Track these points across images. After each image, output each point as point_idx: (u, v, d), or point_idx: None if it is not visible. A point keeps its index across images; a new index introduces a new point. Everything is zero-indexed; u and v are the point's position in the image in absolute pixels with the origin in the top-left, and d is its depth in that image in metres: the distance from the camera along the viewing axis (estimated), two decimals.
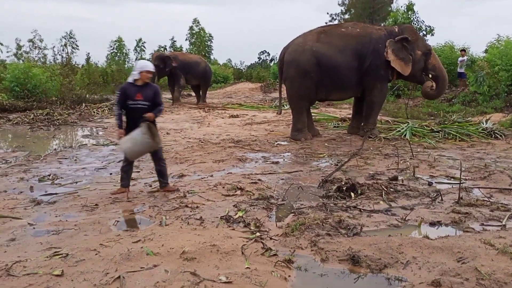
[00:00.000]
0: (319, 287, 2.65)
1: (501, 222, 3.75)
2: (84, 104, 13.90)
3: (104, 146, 7.81)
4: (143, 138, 4.33)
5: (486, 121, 9.52)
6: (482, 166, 5.90)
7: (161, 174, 4.79)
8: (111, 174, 5.75)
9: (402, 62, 7.97)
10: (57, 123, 10.72)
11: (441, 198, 4.42)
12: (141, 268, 2.74)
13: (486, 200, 4.36)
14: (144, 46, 45.02)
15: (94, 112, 12.98)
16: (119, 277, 2.60)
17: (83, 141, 8.46)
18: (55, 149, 7.48)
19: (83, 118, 11.91)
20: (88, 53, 46.59)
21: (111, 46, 43.07)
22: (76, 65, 23.57)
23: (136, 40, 45.75)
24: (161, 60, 15.29)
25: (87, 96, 15.36)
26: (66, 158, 6.70)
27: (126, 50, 43.29)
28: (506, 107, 11.87)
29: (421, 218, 3.81)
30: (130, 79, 4.59)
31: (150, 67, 4.60)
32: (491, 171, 5.57)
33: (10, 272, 2.66)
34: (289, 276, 2.76)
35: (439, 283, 2.59)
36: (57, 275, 2.63)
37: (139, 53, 44.69)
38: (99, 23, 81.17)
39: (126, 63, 37.97)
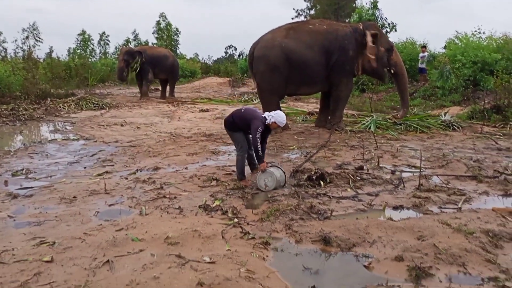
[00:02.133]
0: (294, 265, 2.89)
1: (457, 205, 4.12)
2: (49, 99, 13.62)
3: (74, 141, 7.78)
4: (282, 177, 4.73)
5: (445, 114, 10.07)
6: (441, 155, 6.32)
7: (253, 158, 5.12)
8: (85, 168, 5.80)
9: (374, 49, 8.33)
10: (23, 118, 10.51)
11: (403, 185, 4.77)
12: (128, 252, 2.89)
13: (444, 186, 4.74)
14: (108, 40, 44.13)
15: (60, 107, 12.75)
16: (108, 261, 2.75)
17: (52, 136, 8.38)
18: (24, 144, 7.41)
19: (49, 113, 11.70)
20: (51, 46, 45.15)
21: (77, 39, 41.98)
22: (38, 59, 22.90)
23: (99, 34, 44.85)
24: (131, 55, 15.21)
25: (52, 91, 15.05)
26: (36, 153, 6.66)
27: (91, 45, 42.31)
28: (464, 101, 12.56)
29: (385, 202, 4.13)
30: (267, 121, 4.77)
31: (284, 123, 4.90)
32: (448, 160, 5.99)
33: (0, 260, 2.76)
34: (267, 256, 2.98)
35: (401, 258, 2.89)
36: (47, 261, 2.75)
37: (103, 46, 43.78)
38: (61, 15, 78.81)
39: (92, 57, 37.12)
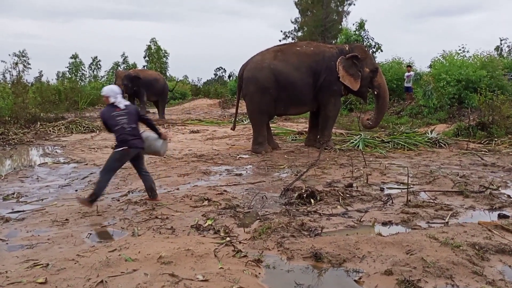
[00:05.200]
0: (287, 281, 2.93)
1: (444, 220, 4.21)
2: (39, 123, 13.61)
3: (65, 164, 7.78)
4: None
5: (431, 131, 10.28)
6: (428, 172, 6.45)
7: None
8: (76, 190, 5.80)
9: (351, 78, 8.52)
10: (13, 143, 10.48)
11: (392, 201, 4.86)
12: (122, 272, 2.92)
13: (431, 202, 4.84)
14: (99, 64, 44.45)
15: (50, 131, 12.74)
16: (101, 281, 2.77)
17: (43, 160, 8.37)
18: (14, 168, 7.39)
19: (39, 137, 11.67)
20: (41, 71, 45.28)
21: (69, 63, 42.33)
22: (26, 83, 22.94)
23: (91, 58, 45.30)
24: (130, 80, 15.62)
25: (42, 114, 15.06)
26: (27, 177, 6.65)
27: (82, 69, 42.59)
28: (449, 118, 12.82)
29: (375, 219, 4.21)
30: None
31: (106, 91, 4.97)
32: (435, 176, 6.11)
33: None
34: (259, 273, 3.03)
35: (391, 272, 2.95)
36: (41, 283, 2.76)
37: (94, 70, 44.02)
38: (50, 40, 79.27)
39: (82, 81, 37.33)
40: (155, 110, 18.48)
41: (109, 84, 27.38)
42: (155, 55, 41.78)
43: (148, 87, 16.17)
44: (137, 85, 15.73)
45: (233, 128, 9.97)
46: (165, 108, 18.07)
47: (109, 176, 4.84)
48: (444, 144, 9.20)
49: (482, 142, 9.61)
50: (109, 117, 4.85)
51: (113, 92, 4.95)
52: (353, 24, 21.03)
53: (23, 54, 42.18)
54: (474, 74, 13.07)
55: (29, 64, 41.97)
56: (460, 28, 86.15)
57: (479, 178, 6.11)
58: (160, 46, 42.30)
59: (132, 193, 5.55)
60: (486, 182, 5.70)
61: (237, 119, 15.61)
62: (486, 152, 8.42)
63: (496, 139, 9.58)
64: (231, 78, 39.34)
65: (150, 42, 42.32)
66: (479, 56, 14.57)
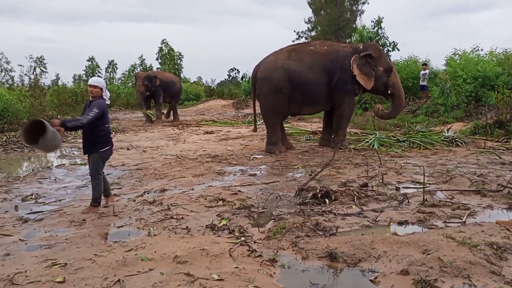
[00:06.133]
0: (302, 281, 2.93)
1: (461, 219, 4.16)
2: None
3: (82, 166, 7.88)
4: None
5: (448, 130, 10.15)
6: (445, 171, 6.37)
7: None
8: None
9: (365, 76, 8.47)
10: None
11: (408, 200, 4.81)
12: (138, 272, 2.95)
13: (448, 201, 4.78)
14: (115, 67, 45.22)
15: (67, 133, 12.93)
16: (118, 280, 2.81)
17: (60, 161, 8.51)
18: (33, 170, 7.53)
19: None
20: (58, 74, 46.31)
21: (86, 67, 43.23)
22: (43, 86, 23.39)
23: (108, 61, 46.13)
24: (150, 80, 15.93)
25: (59, 117, 15.31)
26: (45, 178, 6.76)
27: (98, 72, 43.38)
28: (466, 117, 12.63)
29: (390, 218, 4.18)
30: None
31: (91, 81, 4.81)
32: (452, 175, 6.04)
33: (13, 281, 2.83)
34: (274, 273, 3.03)
35: (407, 271, 2.92)
36: (59, 282, 2.81)
37: (110, 73, 44.72)
38: (65, 43, 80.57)
39: None
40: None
41: (125, 86, 27.58)
42: (168, 56, 42.14)
43: (165, 89, 16.57)
44: (156, 86, 16.03)
45: (254, 130, 10.01)
46: (180, 109, 18.36)
47: (100, 176, 4.85)
48: (461, 143, 9.08)
49: (500, 140, 9.46)
50: (107, 112, 4.70)
51: (104, 85, 4.81)
52: (372, 21, 20.76)
53: (40, 59, 43.10)
54: (490, 70, 12.85)
55: (45, 68, 42.88)
56: (475, 25, 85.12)
57: (497, 177, 6.01)
58: (171, 47, 42.67)
59: (148, 193, 5.60)
60: (504, 181, 5.61)
61: (251, 119, 15.78)
62: (504, 150, 8.28)
63: None
64: (244, 79, 39.44)
65: (162, 43, 42.73)
66: (494, 53, 14.35)
